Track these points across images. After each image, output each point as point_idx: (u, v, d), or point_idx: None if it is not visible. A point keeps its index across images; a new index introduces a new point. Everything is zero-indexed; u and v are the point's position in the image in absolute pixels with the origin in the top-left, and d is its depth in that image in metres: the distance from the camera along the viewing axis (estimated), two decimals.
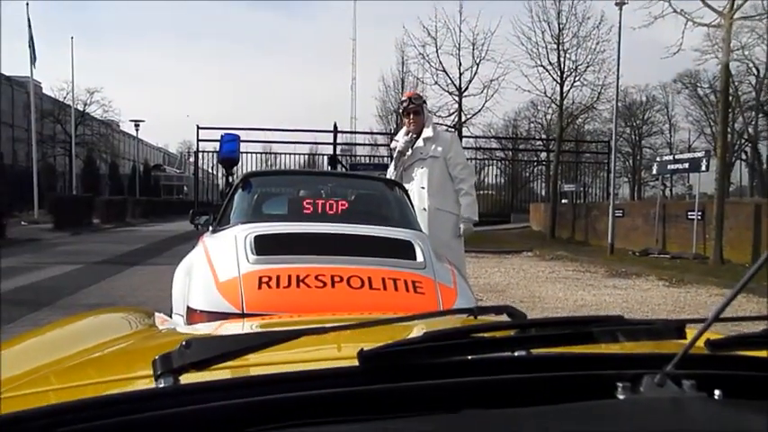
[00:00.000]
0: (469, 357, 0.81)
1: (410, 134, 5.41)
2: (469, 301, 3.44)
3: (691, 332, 0.81)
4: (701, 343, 0.83)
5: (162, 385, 0.73)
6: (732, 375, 0.83)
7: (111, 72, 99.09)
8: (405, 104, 5.42)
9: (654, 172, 20.55)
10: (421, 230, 4.22)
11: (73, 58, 35.42)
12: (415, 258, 3.55)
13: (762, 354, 0.90)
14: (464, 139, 25.72)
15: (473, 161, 31.37)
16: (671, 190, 45.45)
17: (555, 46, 21.89)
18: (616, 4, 16.85)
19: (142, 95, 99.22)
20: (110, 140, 50.76)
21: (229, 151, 5.07)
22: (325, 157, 24.12)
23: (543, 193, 33.95)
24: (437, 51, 23.66)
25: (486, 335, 0.83)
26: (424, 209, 5.20)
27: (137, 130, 45.29)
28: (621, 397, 0.74)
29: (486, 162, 34.77)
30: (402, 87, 26.89)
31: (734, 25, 13.69)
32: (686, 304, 9.03)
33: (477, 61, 23.63)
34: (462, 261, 5.37)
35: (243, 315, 2.97)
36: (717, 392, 0.75)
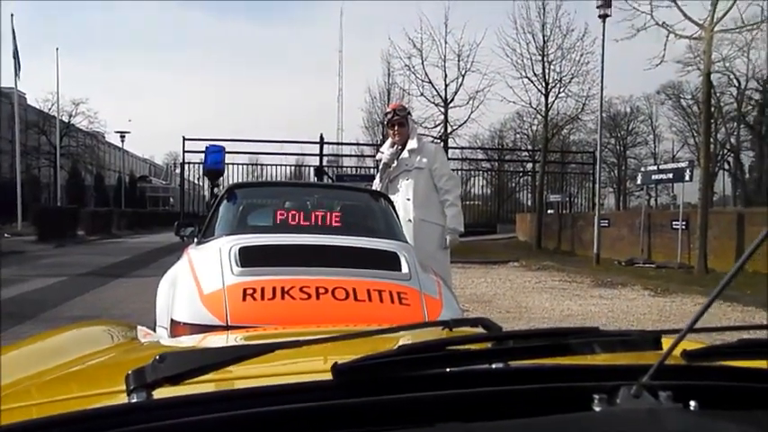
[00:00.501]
0: (445, 370, 0.81)
1: (395, 146, 5.42)
2: (455, 312, 3.44)
3: (667, 343, 0.82)
4: (678, 353, 0.84)
5: (135, 400, 0.72)
6: (708, 386, 0.83)
7: (97, 83, 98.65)
8: (389, 116, 5.44)
9: (638, 182, 20.69)
10: (406, 242, 4.23)
11: (58, 69, 35.22)
12: (400, 269, 3.55)
13: (738, 364, 0.91)
14: (450, 151, 25.81)
15: (459, 172, 31.46)
16: (656, 200, 45.78)
17: (539, 58, 22.04)
18: (599, 16, 17.02)
19: (128, 107, 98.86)
20: (95, 152, 50.51)
21: (214, 162, 5.06)
22: (312, 169, 24.13)
23: (529, 203, 34.09)
24: (423, 63, 23.78)
25: (461, 347, 0.83)
26: (410, 220, 5.21)
27: (122, 141, 45.15)
28: (598, 409, 0.74)
29: (473, 173, 34.89)
30: (388, 99, 26.95)
31: (714, 38, 13.85)
32: (671, 314, 9.08)
33: (463, 73, 23.75)
34: (448, 272, 5.37)
35: (227, 327, 2.95)
36: (693, 403, 0.75)
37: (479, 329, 1.09)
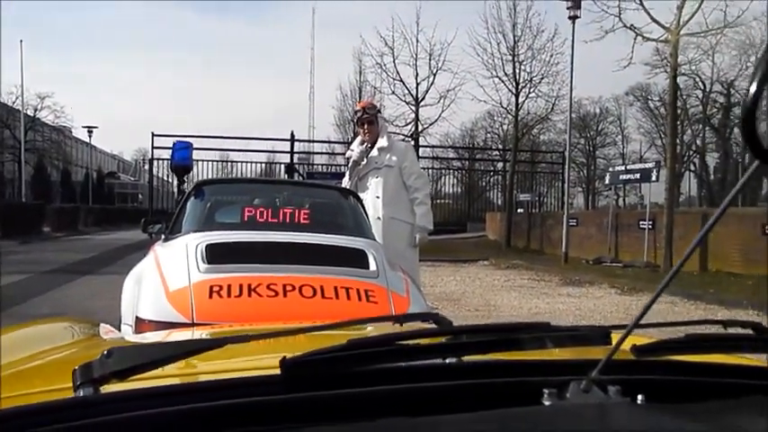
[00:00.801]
0: (394, 365, 0.81)
1: (365, 144, 5.43)
2: (422, 310, 3.46)
3: (616, 338, 0.83)
4: (628, 348, 0.86)
5: (81, 395, 0.71)
6: (656, 380, 0.84)
7: (65, 78, 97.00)
8: (359, 114, 5.44)
9: (607, 182, 20.94)
10: (375, 239, 4.24)
11: (22, 62, 34.58)
12: (368, 267, 3.56)
13: (686, 358, 0.93)
14: (421, 149, 25.85)
15: (430, 171, 31.57)
16: (624, 200, 46.33)
17: (510, 57, 22.17)
18: (569, 17, 17.18)
19: (96, 102, 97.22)
20: (61, 147, 49.63)
21: (182, 159, 5.02)
22: (283, 166, 24.01)
23: (499, 202, 34.30)
24: (394, 61, 23.78)
25: (411, 342, 0.84)
26: (379, 218, 5.21)
27: (90, 136, 44.47)
28: (547, 403, 0.75)
29: (444, 171, 35.00)
30: (360, 96, 26.88)
31: (681, 41, 14.08)
32: (637, 311, 9.21)
33: (434, 71, 23.80)
34: (417, 270, 5.39)
35: (193, 325, 2.94)
36: (640, 397, 0.77)
37: (430, 324, 1.10)
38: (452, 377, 0.80)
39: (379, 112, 5.71)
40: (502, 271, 15.02)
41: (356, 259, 3.61)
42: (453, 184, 35.47)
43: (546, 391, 0.75)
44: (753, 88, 0.53)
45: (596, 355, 0.80)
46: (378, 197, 5.32)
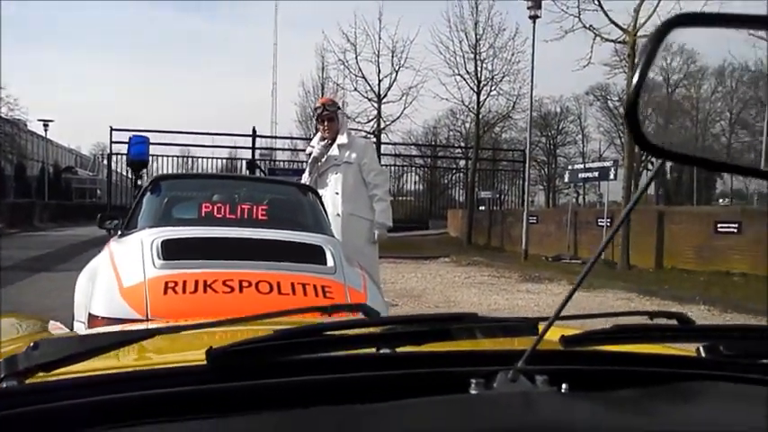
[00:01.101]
0: (321, 355, 0.82)
1: (325, 140, 5.43)
2: (379, 306, 3.48)
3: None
4: (557, 339, 0.88)
5: (4, 387, 0.71)
6: (582, 370, 0.86)
7: (21, 71, 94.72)
8: (319, 111, 5.44)
9: (566, 180, 21.22)
10: (333, 236, 4.25)
11: None
12: (325, 263, 3.56)
13: (613, 348, 0.96)
14: (383, 146, 25.85)
15: (392, 168, 31.59)
16: (584, 198, 46.98)
17: (472, 56, 22.29)
18: (530, 17, 17.37)
19: (53, 96, 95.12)
20: (15, 140, 48.45)
21: (138, 153, 4.97)
22: (244, 162, 23.81)
23: (461, 199, 34.51)
24: (356, 58, 23.76)
25: (339, 333, 0.85)
26: (338, 214, 5.22)
27: (46, 130, 43.51)
28: (474, 392, 0.76)
29: (406, 169, 35.07)
30: (322, 92, 26.76)
31: (638, 42, 14.33)
32: (594, 308, 9.36)
33: (397, 68, 23.82)
34: (376, 266, 5.42)
35: (147, 321, 2.91)
36: (564, 386, 0.78)
37: (359, 316, 1.11)
38: (379, 368, 0.81)
39: (339, 108, 5.71)
40: (463, 268, 15.13)
41: (313, 255, 3.62)
42: (416, 182, 35.54)
43: (473, 380, 0.77)
44: (635, 80, 0.57)
45: (526, 345, 0.81)
46: (337, 193, 5.33)
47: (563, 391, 0.78)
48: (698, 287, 11.14)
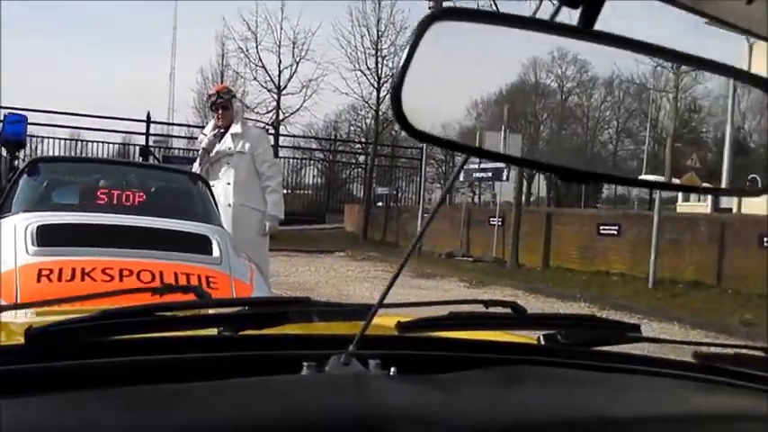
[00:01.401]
0: (154, 336, 0.81)
1: (218, 129, 5.34)
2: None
3: (385, 315, 0.88)
4: (393, 325, 0.91)
5: None
6: (415, 354, 0.89)
7: None
8: (213, 98, 5.34)
9: (461, 179, 21.72)
10: (221, 226, 4.18)
11: None
12: (211, 253, 3.51)
13: (447, 334, 0.99)
14: (282, 138, 25.66)
15: (291, 160, 31.38)
16: (480, 197, 48.22)
17: (373, 52, 22.50)
18: None
19: None
20: None
21: (14, 133, 4.71)
22: (138, 148, 23.00)
23: (360, 195, 34.70)
24: (257, 47, 23.49)
25: (169, 314, 0.84)
26: (229, 205, 5.15)
27: None
28: (304, 374, 0.77)
29: (305, 162, 34.89)
30: (221, 80, 26.20)
31: None
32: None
33: (297, 60, 23.71)
34: (266, 258, 5.38)
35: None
36: (393, 369, 0.81)
37: (192, 297, 1.11)
38: (210, 349, 0.81)
39: (234, 96, 5.64)
40: (357, 262, 15.23)
41: (199, 245, 3.55)
42: (314, 175, 35.41)
43: (305, 363, 0.78)
44: (399, 67, 0.61)
45: (354, 330, 0.83)
46: (229, 184, 5.25)
47: (391, 374, 0.80)
48: (580, 286, 11.67)
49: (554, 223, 14.68)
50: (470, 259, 15.84)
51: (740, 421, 0.77)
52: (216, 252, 3.52)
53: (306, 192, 33.90)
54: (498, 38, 0.67)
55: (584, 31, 0.70)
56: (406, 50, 0.63)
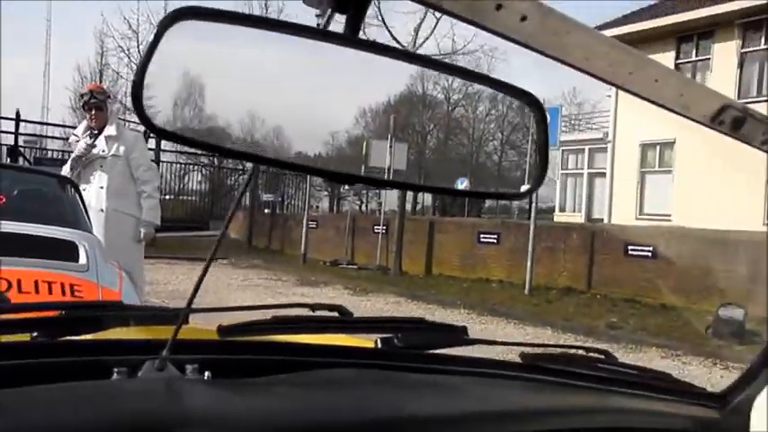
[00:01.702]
0: None
1: (91, 130, 5.13)
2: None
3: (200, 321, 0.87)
4: (215, 329, 0.91)
5: None
6: (233, 359, 0.89)
7: None
8: (86, 98, 5.13)
9: (347, 187, 21.84)
10: (90, 232, 4.01)
11: None
12: (77, 260, 3.35)
13: (272, 338, 0.99)
14: (165, 142, 24.89)
15: (175, 165, 30.51)
16: (366, 205, 48.56)
17: None
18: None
19: None
20: None
21: None
22: (5, 149, 21.64)
23: (246, 201, 34.12)
24: (138, 46, 22.76)
25: None
26: (102, 210, 4.96)
27: None
28: (115, 380, 0.76)
29: (189, 167, 33.99)
30: (100, 80, 25.25)
31: None
32: (364, 311, 9.72)
33: None
34: (140, 266, 5.21)
35: None
36: (207, 374, 0.81)
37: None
38: (19, 356, 0.78)
39: (109, 97, 5.43)
40: (241, 270, 14.98)
41: (64, 252, 3.39)
42: (199, 181, 34.58)
43: (116, 369, 0.77)
44: (139, 66, 0.63)
45: (183, 335, 0.82)
46: (102, 188, 5.06)
47: (205, 378, 0.80)
48: (461, 293, 12.00)
49: (436, 231, 15.02)
50: (355, 267, 15.94)
51: (559, 416, 0.83)
52: (83, 259, 3.37)
53: (190, 198, 33.02)
54: (248, 42, 0.68)
55: (349, 38, 0.71)
56: (146, 50, 0.65)
